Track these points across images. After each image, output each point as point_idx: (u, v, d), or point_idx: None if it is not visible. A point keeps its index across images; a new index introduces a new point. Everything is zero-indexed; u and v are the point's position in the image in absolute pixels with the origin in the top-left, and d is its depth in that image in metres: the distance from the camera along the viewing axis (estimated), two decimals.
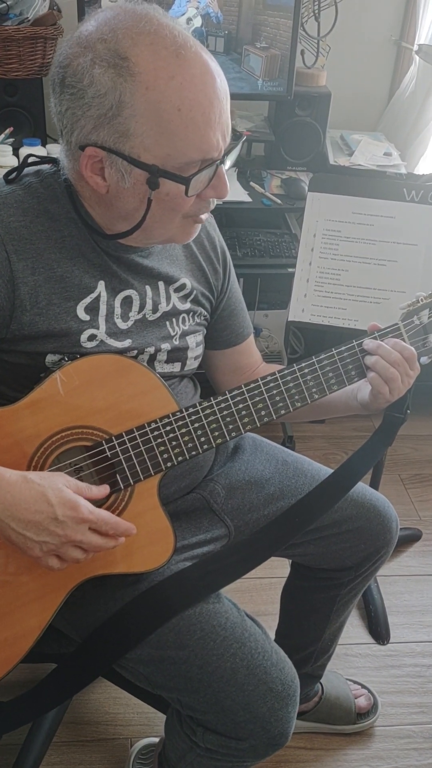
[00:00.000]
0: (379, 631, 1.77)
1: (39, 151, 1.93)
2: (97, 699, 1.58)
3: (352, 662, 1.70)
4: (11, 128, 1.96)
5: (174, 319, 1.09)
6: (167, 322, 1.08)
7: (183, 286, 1.10)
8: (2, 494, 0.85)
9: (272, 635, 1.26)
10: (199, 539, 1.13)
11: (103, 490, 0.95)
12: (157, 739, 1.44)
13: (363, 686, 1.61)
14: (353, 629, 1.77)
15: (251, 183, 2.06)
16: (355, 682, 1.62)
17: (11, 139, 1.95)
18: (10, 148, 1.89)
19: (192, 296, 1.12)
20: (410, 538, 2.04)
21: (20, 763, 1.39)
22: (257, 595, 1.78)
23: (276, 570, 1.56)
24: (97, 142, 0.88)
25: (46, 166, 1.01)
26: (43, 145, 2.02)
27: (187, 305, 1.11)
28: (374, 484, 1.81)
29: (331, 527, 1.24)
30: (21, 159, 1.89)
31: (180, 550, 1.07)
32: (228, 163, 0.94)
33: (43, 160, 1.01)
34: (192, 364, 1.15)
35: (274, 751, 0.99)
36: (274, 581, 1.71)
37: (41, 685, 1.05)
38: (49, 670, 1.07)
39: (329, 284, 1.54)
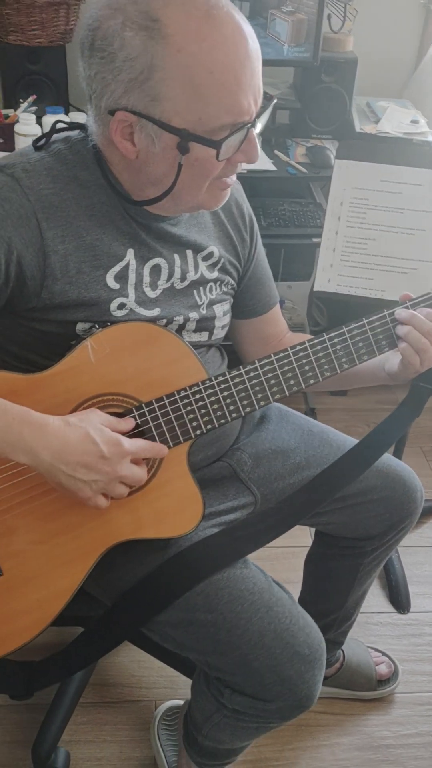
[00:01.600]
0: (400, 600, 1.78)
1: (61, 119, 1.92)
2: (122, 662, 1.62)
3: (373, 630, 1.72)
4: (34, 96, 1.95)
5: (201, 288, 1.09)
6: (195, 291, 1.08)
7: (211, 255, 1.10)
8: (50, 440, 0.87)
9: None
10: (226, 506, 1.14)
11: (129, 423, 0.97)
12: (181, 702, 1.47)
13: (384, 654, 1.63)
14: (374, 598, 1.79)
15: (276, 151, 2.03)
16: (376, 650, 1.64)
17: (34, 107, 1.94)
18: (34, 117, 1.88)
19: (220, 264, 1.11)
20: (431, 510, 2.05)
21: (48, 722, 1.43)
22: (279, 564, 1.80)
23: (298, 539, 1.57)
24: (128, 107, 0.87)
25: (74, 132, 1.01)
26: (66, 113, 2.01)
27: (215, 274, 1.11)
28: (397, 455, 1.80)
29: (356, 496, 1.24)
30: (44, 127, 1.89)
31: (207, 517, 1.08)
32: (259, 126, 0.93)
33: (72, 126, 1.01)
34: (219, 334, 1.15)
35: (300, 713, 1.01)
36: (297, 550, 1.72)
37: (72, 646, 1.07)
38: (76, 633, 1.10)
39: (356, 254, 1.53)
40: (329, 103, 2.10)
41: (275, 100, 0.94)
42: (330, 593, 1.40)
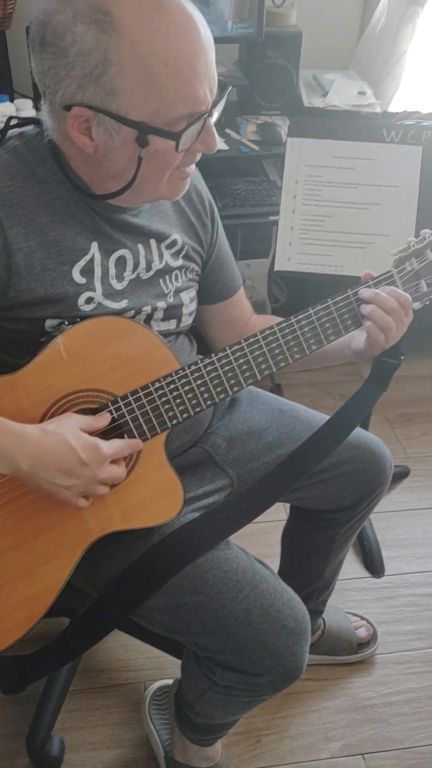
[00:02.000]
0: (374, 565, 1.84)
1: (8, 107, 1.88)
2: (108, 647, 1.64)
3: (351, 596, 1.78)
4: None
5: (167, 276, 1.10)
6: (161, 280, 1.09)
7: (174, 242, 1.10)
8: (28, 449, 0.87)
9: None
10: (204, 490, 1.16)
11: (105, 418, 0.98)
12: (170, 681, 1.50)
13: (362, 618, 1.69)
14: (350, 565, 1.84)
15: (227, 130, 2.03)
16: (355, 615, 1.69)
17: None
18: None
19: (183, 252, 1.12)
20: (399, 476, 2.11)
21: (41, 712, 1.45)
22: (256, 540, 1.83)
23: (273, 514, 1.60)
24: (83, 102, 0.87)
25: (29, 128, 0.99)
26: (11, 100, 1.97)
27: (180, 261, 1.12)
28: (364, 425, 1.85)
29: (329, 470, 1.28)
30: None
31: (187, 502, 1.10)
32: (215, 115, 0.93)
33: (26, 121, 0.99)
34: (187, 321, 1.16)
35: (290, 684, 1.05)
36: (271, 525, 1.76)
37: (62, 637, 1.09)
38: (63, 624, 1.11)
39: (314, 231, 1.55)
40: (276, 78, 2.10)
41: (230, 88, 0.94)
42: (308, 565, 1.44)
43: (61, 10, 0.84)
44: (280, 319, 1.28)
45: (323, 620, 1.60)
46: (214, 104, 0.91)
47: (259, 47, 2.05)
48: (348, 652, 1.62)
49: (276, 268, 1.55)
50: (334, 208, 1.54)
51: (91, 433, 0.94)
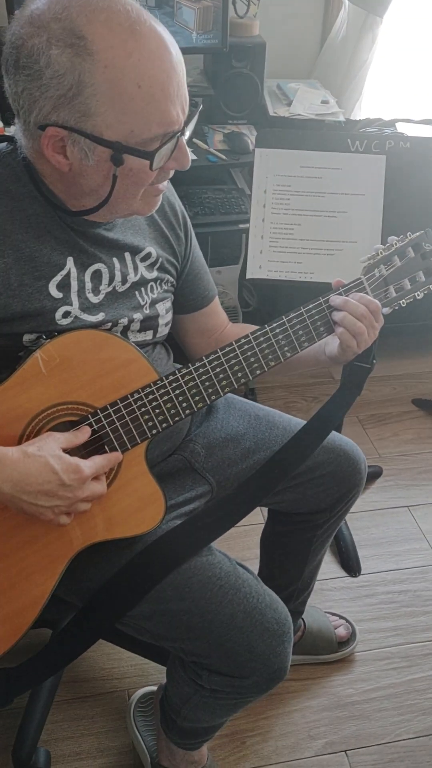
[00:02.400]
0: (351, 564, 1.88)
1: None
2: (91, 656, 1.65)
3: (329, 596, 1.81)
4: None
5: (143, 288, 1.12)
6: (136, 292, 1.11)
7: (149, 255, 1.12)
8: (9, 473, 0.88)
9: None
10: (184, 498, 1.18)
11: (85, 432, 0.99)
12: (153, 688, 1.51)
13: (341, 617, 1.72)
14: (327, 565, 1.88)
15: (194, 140, 2.05)
16: (334, 614, 1.72)
17: None
18: None
19: (158, 264, 1.14)
20: (372, 476, 2.15)
21: (26, 725, 1.45)
22: (235, 543, 1.86)
23: (251, 518, 1.61)
24: (58, 122, 0.88)
25: (2, 145, 1.00)
26: None
27: (154, 273, 1.13)
28: (337, 428, 1.88)
29: (305, 474, 1.30)
30: None
31: (168, 510, 1.11)
32: (187, 133, 0.95)
33: None
34: (163, 331, 1.18)
35: (275, 685, 1.07)
36: (250, 528, 1.79)
37: (47, 649, 1.10)
38: (46, 634, 1.12)
39: (283, 239, 1.58)
40: (242, 88, 2.13)
41: (201, 107, 0.96)
42: (287, 567, 1.47)
43: (35, 34, 0.85)
44: (255, 327, 1.31)
45: (303, 621, 1.62)
46: (186, 123, 0.93)
47: (224, 58, 2.08)
48: (328, 651, 1.65)
49: (248, 276, 1.57)
50: (302, 216, 1.58)
51: (72, 449, 0.95)
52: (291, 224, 1.58)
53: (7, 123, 2.00)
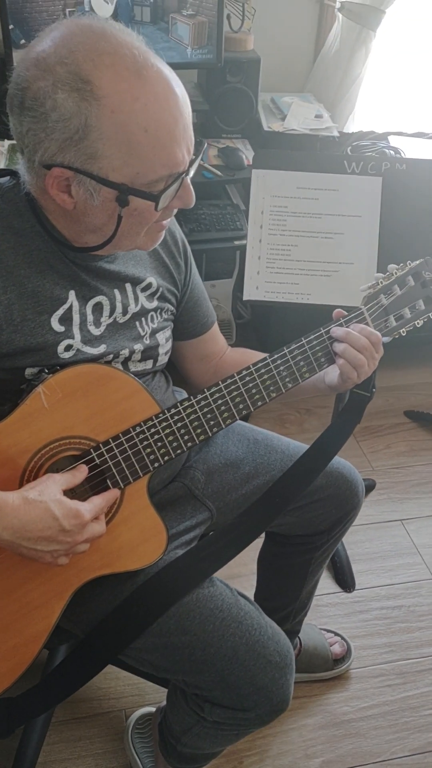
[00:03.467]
0: (345, 579, 1.89)
1: None
2: None
3: (324, 612, 1.82)
4: None
5: (143, 319, 1.12)
6: (137, 323, 1.11)
7: (149, 285, 1.12)
8: (9, 520, 0.87)
9: (250, 595, 1.34)
10: (185, 526, 1.18)
11: (83, 470, 0.98)
12: (151, 709, 1.51)
13: (336, 634, 1.73)
14: (321, 580, 1.84)
15: None
16: (329, 631, 1.73)
17: None
18: None
19: (159, 293, 1.14)
20: (366, 489, 2.14)
21: (23, 748, 1.45)
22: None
23: None
24: (64, 163, 0.88)
25: (4, 179, 1.00)
26: None
27: (155, 303, 1.13)
28: None
29: (304, 498, 1.31)
30: None
31: (170, 539, 1.12)
32: (192, 172, 0.95)
33: (1, 173, 1.00)
34: (163, 360, 1.18)
35: (277, 716, 1.07)
36: None
37: (49, 680, 1.09)
38: (42, 656, 1.11)
39: (280, 260, 1.58)
40: (236, 102, 2.13)
41: (206, 146, 0.96)
42: (284, 588, 1.47)
43: (41, 77, 0.85)
44: (253, 352, 1.31)
45: (299, 639, 1.63)
46: (191, 162, 0.93)
47: (219, 72, 2.07)
48: (324, 669, 1.66)
49: (245, 298, 1.58)
50: (299, 237, 1.58)
51: (72, 489, 0.94)
52: (288, 245, 1.58)
53: (0, 136, 1.99)
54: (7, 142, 1.95)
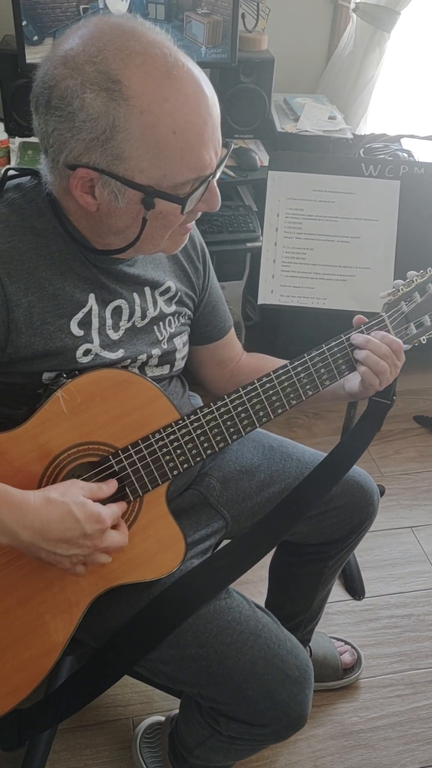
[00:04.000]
0: (354, 587, 1.87)
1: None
2: None
3: (333, 620, 1.80)
4: None
5: (161, 323, 1.09)
6: (155, 327, 1.09)
7: (168, 289, 1.10)
8: (30, 520, 0.85)
9: (261, 602, 1.32)
10: (201, 535, 1.16)
11: (112, 486, 0.96)
12: (159, 718, 1.49)
13: (346, 642, 1.71)
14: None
15: None
16: (339, 639, 1.71)
17: None
18: None
19: (177, 298, 1.12)
20: None
21: (30, 756, 1.43)
22: None
23: None
24: (89, 164, 0.86)
25: (26, 179, 0.98)
26: None
27: (173, 308, 1.11)
28: None
29: (318, 506, 1.29)
30: None
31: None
32: (218, 174, 0.93)
33: (23, 172, 0.98)
34: (180, 365, 1.16)
35: (294, 732, 1.05)
36: None
37: (61, 691, 1.07)
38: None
39: (296, 263, 1.56)
40: (249, 102, 2.10)
41: (233, 147, 0.94)
42: (296, 597, 1.45)
43: (69, 76, 0.82)
44: (270, 357, 1.29)
45: (310, 648, 1.61)
46: (218, 165, 0.91)
47: (232, 72, 2.05)
48: (334, 678, 1.64)
49: (260, 302, 1.55)
50: (315, 240, 1.56)
51: (95, 500, 0.93)
52: (303, 248, 1.56)
53: (11, 133, 1.97)
54: (18, 140, 1.93)
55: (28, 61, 1.84)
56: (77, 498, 0.89)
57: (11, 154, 1.88)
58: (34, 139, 1.92)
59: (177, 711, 1.29)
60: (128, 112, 0.82)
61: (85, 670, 1.05)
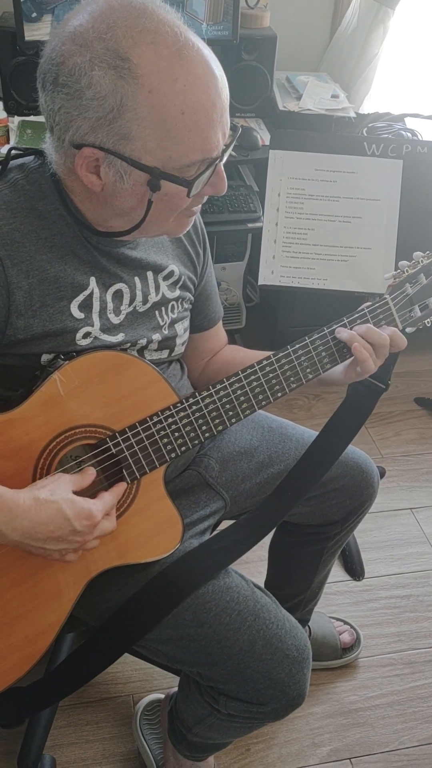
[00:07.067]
0: (354, 568, 1.88)
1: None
2: None
3: (333, 600, 1.81)
4: None
5: (163, 308, 1.09)
6: (156, 312, 1.08)
7: (171, 273, 1.09)
8: (19, 522, 0.85)
9: (260, 582, 1.32)
10: (200, 515, 1.16)
11: (90, 476, 0.95)
12: (159, 695, 1.51)
13: (345, 622, 1.72)
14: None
15: None
16: (338, 619, 1.72)
17: None
18: None
19: (180, 282, 1.11)
20: None
21: (31, 732, 1.45)
22: None
23: None
24: (95, 143, 0.85)
25: (29, 158, 0.97)
26: None
27: (177, 292, 1.10)
28: None
29: (318, 488, 1.29)
30: None
31: (185, 528, 1.10)
32: (225, 158, 0.92)
33: (27, 152, 0.97)
34: (180, 350, 1.15)
35: (293, 711, 1.06)
36: None
37: (60, 670, 1.08)
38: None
39: (296, 244, 1.55)
40: (251, 80, 2.08)
41: (240, 130, 0.92)
42: (296, 578, 1.46)
43: (77, 53, 0.81)
44: (246, 349, 1.27)
45: (309, 628, 1.62)
46: (226, 147, 0.90)
47: (234, 49, 2.02)
48: (333, 657, 1.65)
49: (260, 282, 1.55)
50: (316, 221, 1.55)
51: (82, 490, 0.92)
52: (304, 229, 1.55)
53: (10, 112, 1.95)
54: (17, 119, 1.91)
55: (26, 38, 1.82)
56: (67, 495, 0.89)
57: (10, 133, 1.87)
58: (33, 118, 1.91)
59: (176, 689, 1.30)
60: (137, 91, 0.81)
61: (84, 650, 1.06)
